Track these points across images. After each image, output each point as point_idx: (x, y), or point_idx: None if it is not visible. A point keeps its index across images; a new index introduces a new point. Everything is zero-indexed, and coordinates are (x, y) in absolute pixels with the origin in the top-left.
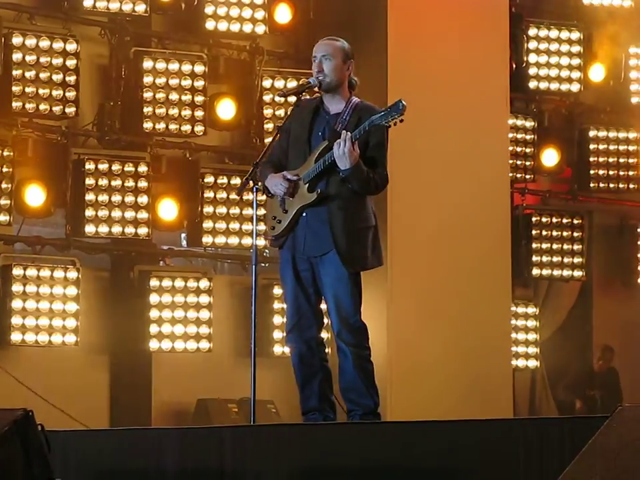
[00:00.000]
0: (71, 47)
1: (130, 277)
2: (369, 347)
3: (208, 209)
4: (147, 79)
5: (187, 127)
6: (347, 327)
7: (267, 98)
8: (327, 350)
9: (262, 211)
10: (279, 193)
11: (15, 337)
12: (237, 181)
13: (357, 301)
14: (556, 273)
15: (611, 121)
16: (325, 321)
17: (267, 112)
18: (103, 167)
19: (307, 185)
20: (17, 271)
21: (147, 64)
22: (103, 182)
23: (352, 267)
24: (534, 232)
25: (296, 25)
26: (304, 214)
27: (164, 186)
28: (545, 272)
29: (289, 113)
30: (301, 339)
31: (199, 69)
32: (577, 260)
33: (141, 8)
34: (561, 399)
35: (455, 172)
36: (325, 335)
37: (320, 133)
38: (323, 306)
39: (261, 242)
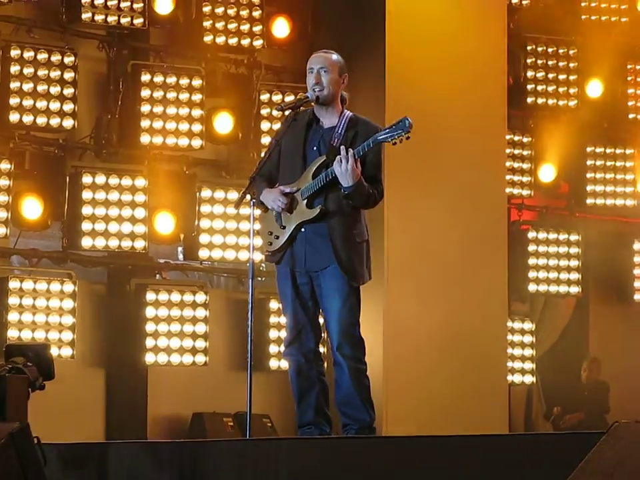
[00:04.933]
0: (69, 59)
1: (126, 290)
2: (366, 362)
3: (205, 223)
4: (145, 92)
5: (184, 141)
6: (346, 340)
7: (264, 112)
8: (324, 364)
9: (259, 225)
10: (277, 208)
11: None
12: (234, 194)
13: (356, 315)
14: (552, 288)
15: (607, 137)
16: (323, 334)
17: (265, 126)
18: (100, 180)
19: (306, 200)
20: (14, 284)
21: (145, 77)
22: (100, 195)
23: (355, 281)
24: (530, 247)
25: (294, 39)
26: (302, 229)
27: (161, 199)
28: (542, 288)
29: (280, 126)
30: (299, 352)
31: (197, 82)
32: (573, 276)
33: (139, 21)
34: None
35: (452, 187)
36: (322, 348)
37: (315, 148)
38: (321, 319)
39: (258, 256)
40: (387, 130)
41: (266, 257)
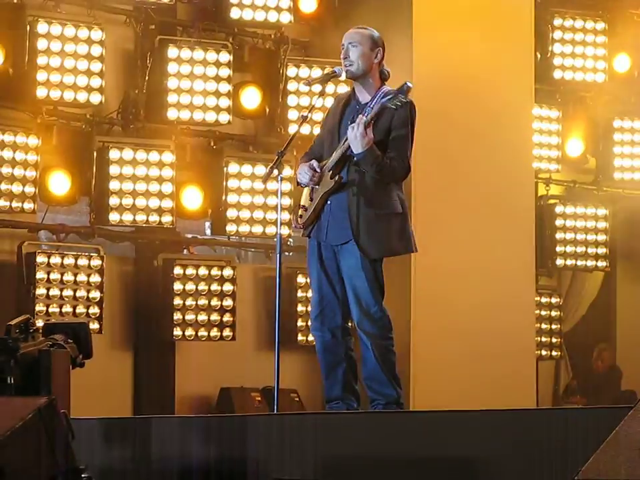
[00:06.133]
0: (96, 34)
1: (154, 265)
2: (392, 337)
3: (232, 198)
4: (172, 68)
5: (211, 116)
6: (367, 317)
7: (291, 87)
8: (352, 339)
9: (286, 200)
10: (304, 181)
11: (39, 324)
12: (261, 169)
13: (377, 291)
14: (580, 263)
15: (635, 111)
16: None
17: (292, 101)
18: (128, 155)
19: (330, 172)
20: (41, 259)
21: (172, 52)
22: (128, 170)
23: (369, 254)
24: (558, 222)
25: (321, 14)
26: (329, 201)
27: (188, 174)
28: (569, 262)
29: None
30: (325, 327)
31: (224, 57)
32: (600, 250)
33: None
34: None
35: (480, 162)
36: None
37: (349, 122)
38: None
39: (285, 231)
40: (390, 95)
41: (302, 232)
